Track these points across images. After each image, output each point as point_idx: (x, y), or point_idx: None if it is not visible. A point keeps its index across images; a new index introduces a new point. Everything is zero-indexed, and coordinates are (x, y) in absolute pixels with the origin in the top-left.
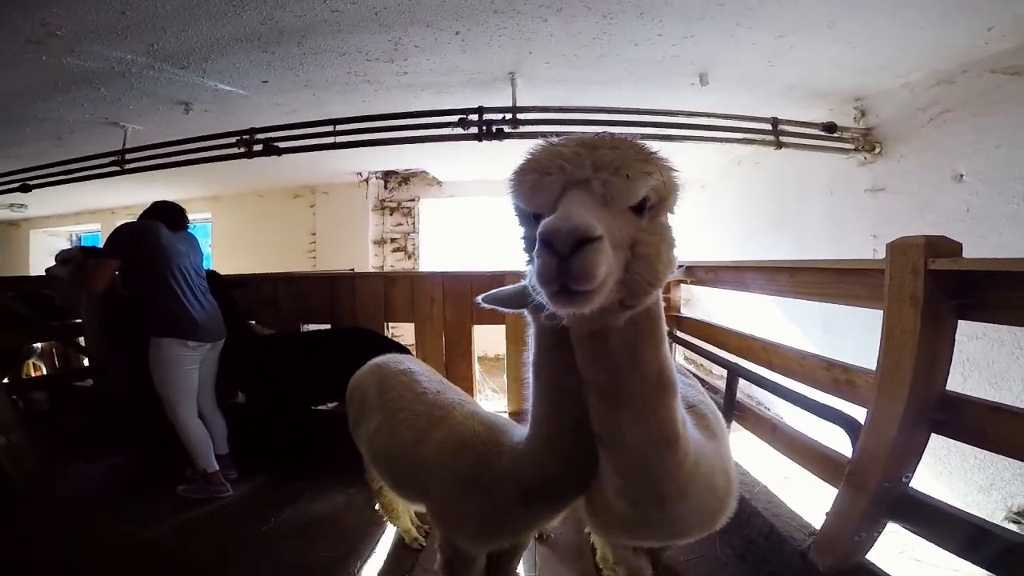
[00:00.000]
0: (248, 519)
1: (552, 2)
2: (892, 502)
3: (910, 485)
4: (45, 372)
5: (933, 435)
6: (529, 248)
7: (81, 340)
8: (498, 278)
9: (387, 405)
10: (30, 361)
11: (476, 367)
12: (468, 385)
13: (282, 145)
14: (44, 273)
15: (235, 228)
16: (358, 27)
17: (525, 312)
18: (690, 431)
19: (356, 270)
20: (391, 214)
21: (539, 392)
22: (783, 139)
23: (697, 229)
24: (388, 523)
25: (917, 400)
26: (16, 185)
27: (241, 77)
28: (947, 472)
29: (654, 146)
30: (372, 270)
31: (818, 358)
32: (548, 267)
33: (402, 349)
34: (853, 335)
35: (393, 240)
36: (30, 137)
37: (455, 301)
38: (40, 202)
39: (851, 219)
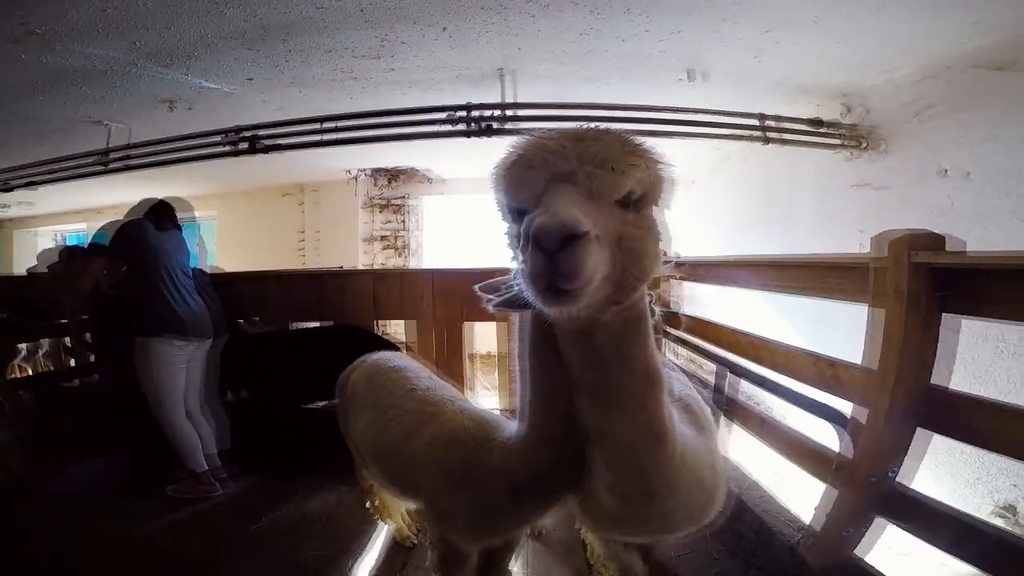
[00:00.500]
0: (239, 518)
1: None
2: (879, 497)
3: (897, 480)
4: (31, 373)
5: (920, 429)
6: (514, 244)
7: (67, 340)
8: (489, 275)
9: (377, 402)
10: (15, 362)
11: (468, 364)
12: (460, 382)
13: (268, 143)
14: (26, 273)
15: (223, 227)
16: (344, 23)
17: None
18: (678, 426)
19: (346, 268)
20: (381, 212)
21: (527, 386)
22: (771, 135)
23: (687, 225)
24: (380, 521)
25: (903, 395)
26: None
27: (226, 75)
28: (933, 466)
29: (640, 138)
30: (362, 268)
31: (805, 353)
32: (536, 265)
33: (392, 346)
34: (842, 330)
35: (383, 238)
36: (12, 136)
37: (446, 298)
38: (24, 202)
39: (838, 214)
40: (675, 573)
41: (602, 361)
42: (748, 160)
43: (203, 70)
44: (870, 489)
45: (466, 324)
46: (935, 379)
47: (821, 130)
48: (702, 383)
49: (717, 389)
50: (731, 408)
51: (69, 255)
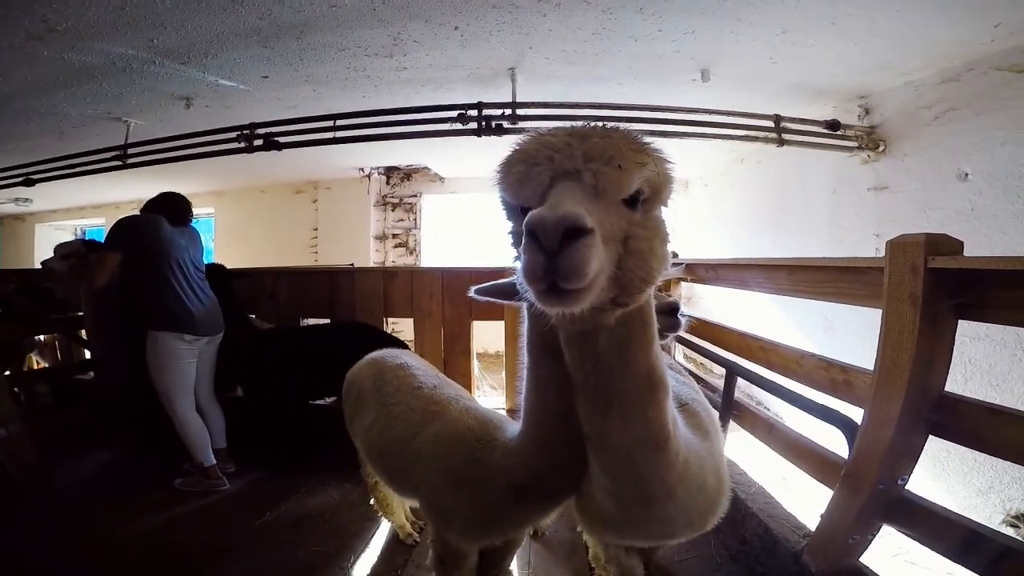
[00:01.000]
0: (244, 513)
1: None
2: (887, 504)
3: (906, 488)
4: (47, 365)
5: (932, 437)
6: (516, 243)
7: (82, 333)
8: (498, 274)
9: (383, 400)
10: (32, 354)
11: (475, 363)
12: (466, 381)
13: (282, 140)
14: (41, 266)
15: (237, 223)
16: (357, 22)
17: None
18: (681, 430)
19: (356, 265)
20: (393, 210)
21: (531, 386)
22: (786, 137)
23: (699, 227)
24: (383, 518)
25: (914, 401)
26: (20, 179)
27: (241, 72)
28: (945, 475)
29: (648, 137)
30: (373, 265)
31: (816, 358)
32: (535, 263)
33: (400, 344)
34: (854, 334)
35: (395, 236)
36: (33, 132)
37: (454, 297)
38: (45, 196)
39: (854, 218)
40: None
41: (603, 365)
42: (762, 162)
43: (219, 68)
44: (878, 496)
45: (474, 323)
46: (949, 386)
47: (838, 132)
48: (709, 386)
49: (726, 393)
50: (739, 412)
51: (86, 249)
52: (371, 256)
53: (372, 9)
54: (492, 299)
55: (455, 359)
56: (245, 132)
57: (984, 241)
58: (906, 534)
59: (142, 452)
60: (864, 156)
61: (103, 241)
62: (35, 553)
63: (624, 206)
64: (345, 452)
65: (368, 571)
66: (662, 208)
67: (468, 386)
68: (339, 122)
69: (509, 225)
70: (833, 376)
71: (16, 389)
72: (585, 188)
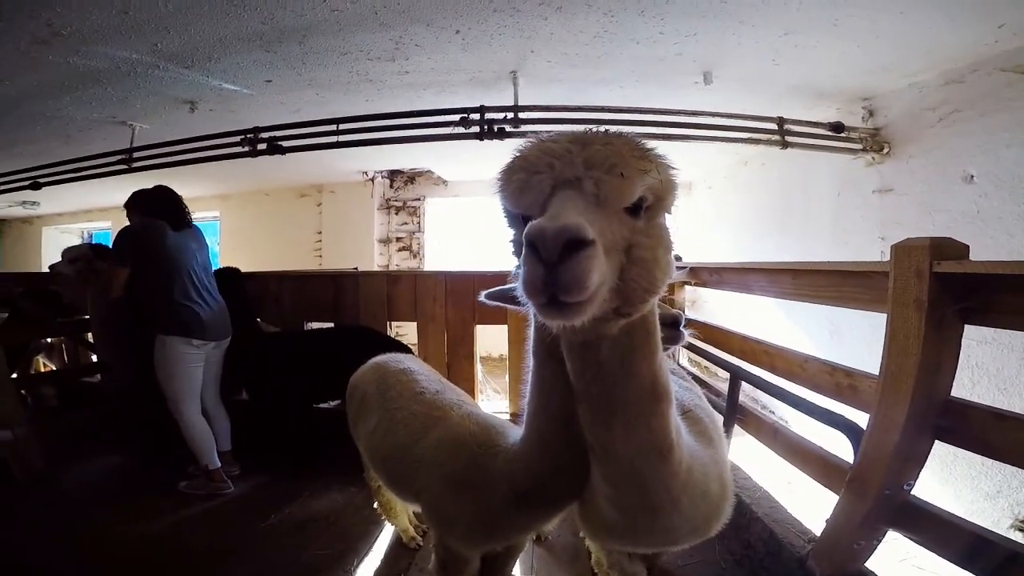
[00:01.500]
0: (248, 516)
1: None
2: (893, 510)
3: (912, 492)
4: (54, 368)
5: (938, 442)
6: (517, 252)
7: (89, 336)
8: (501, 277)
9: (386, 404)
10: (39, 357)
11: (478, 367)
12: (470, 386)
13: (286, 144)
14: (48, 270)
15: (243, 226)
16: (358, 26)
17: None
18: (684, 438)
19: (360, 269)
20: (397, 213)
21: (534, 390)
22: (789, 139)
23: (703, 230)
24: (386, 522)
25: (920, 406)
26: (27, 183)
27: (245, 76)
28: (953, 479)
29: (651, 143)
30: (377, 269)
31: (821, 362)
32: (534, 276)
33: (404, 348)
34: (860, 339)
35: (399, 239)
36: (39, 135)
37: (458, 300)
38: (52, 200)
39: (858, 220)
40: None
41: (606, 375)
42: (766, 165)
43: (223, 72)
44: (884, 501)
45: (477, 327)
46: (956, 391)
47: (842, 134)
48: (713, 391)
49: (730, 397)
50: (743, 417)
51: (93, 254)
52: (375, 259)
53: (374, 13)
54: (501, 304)
55: (458, 363)
56: (249, 136)
57: (990, 244)
58: (912, 539)
59: (148, 455)
60: (868, 158)
61: (111, 251)
62: (37, 553)
63: (627, 214)
64: (349, 455)
65: (371, 575)
66: (666, 215)
67: (471, 390)
68: (342, 126)
69: (510, 233)
70: (838, 380)
71: (23, 391)
72: (586, 197)
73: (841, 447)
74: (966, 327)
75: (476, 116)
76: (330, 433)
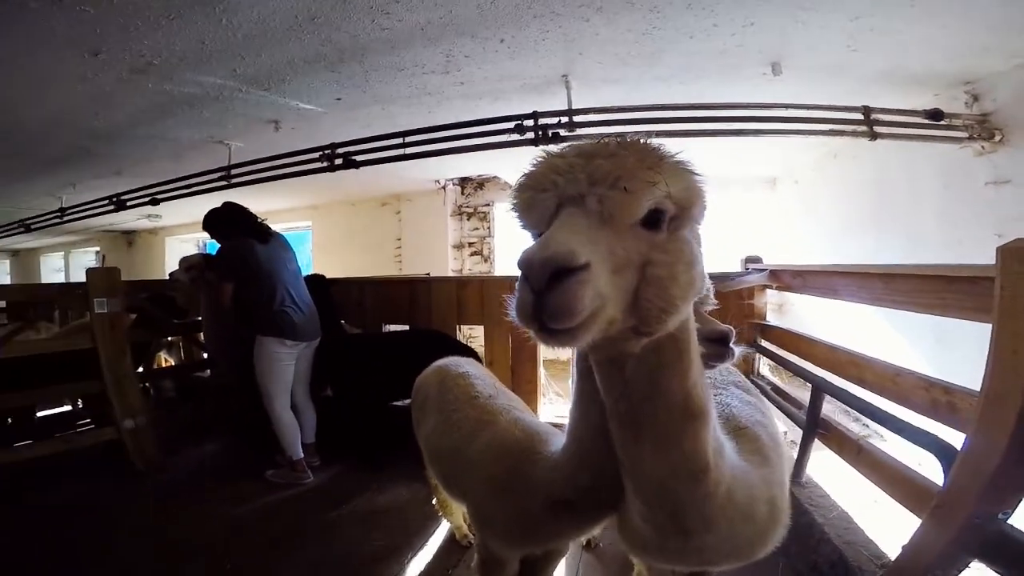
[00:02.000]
0: (320, 506)
1: (590, 1)
2: (982, 539)
3: (1008, 522)
4: (173, 364)
5: None
6: None
7: (200, 336)
8: None
9: (443, 407)
10: (161, 354)
11: (541, 371)
12: (532, 388)
13: (359, 158)
14: (168, 277)
15: (332, 235)
16: (409, 43)
17: None
18: (729, 458)
19: (434, 274)
20: (468, 219)
21: (576, 400)
22: (878, 129)
23: (788, 227)
24: (443, 519)
25: None
26: (147, 199)
27: (317, 95)
28: None
29: (673, 148)
30: (451, 274)
31: (916, 376)
32: (524, 303)
33: (469, 351)
34: (969, 350)
35: (471, 244)
36: (153, 155)
37: None
38: (171, 212)
39: (969, 216)
40: None
41: (632, 392)
42: (858, 157)
43: (297, 92)
44: (971, 531)
45: None
46: None
47: (941, 122)
48: (795, 402)
49: (811, 410)
50: (826, 432)
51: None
52: (449, 264)
53: (420, 29)
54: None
55: (522, 366)
56: (327, 152)
57: None
58: (1000, 574)
59: (244, 445)
60: (978, 147)
61: (215, 267)
62: (144, 533)
63: (643, 228)
64: (416, 452)
65: (423, 567)
66: (695, 226)
67: (534, 393)
68: (408, 138)
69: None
70: (934, 397)
71: (146, 385)
72: (590, 214)
73: (933, 469)
74: None
75: (530, 123)
76: (401, 430)
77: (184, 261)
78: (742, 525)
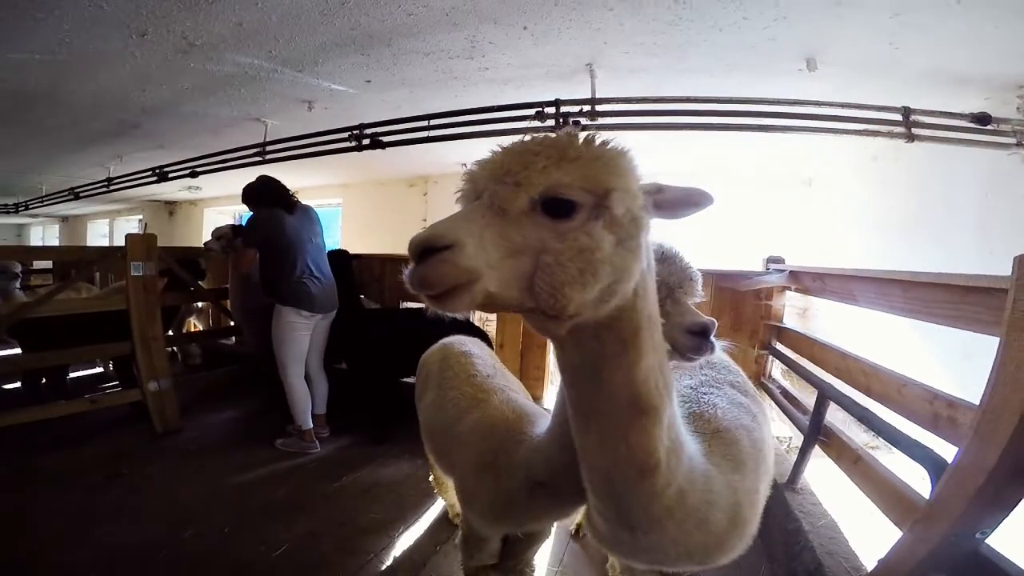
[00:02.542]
0: (324, 476)
1: None
2: (956, 558)
3: (985, 542)
4: (201, 329)
5: None
6: None
7: (228, 303)
8: None
9: (442, 383)
10: (191, 319)
11: (551, 357)
12: (541, 374)
13: (385, 139)
14: (203, 246)
15: (361, 213)
16: (434, 27)
17: None
18: (689, 459)
19: None
20: None
21: (560, 388)
22: (916, 131)
23: (824, 229)
24: (438, 496)
25: (1019, 449)
26: (187, 172)
27: (348, 77)
28: None
29: (620, 144)
30: None
31: (921, 387)
32: (409, 271)
33: (479, 332)
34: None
35: None
36: (195, 131)
37: None
38: (209, 185)
39: (1009, 225)
40: None
41: (578, 380)
42: (899, 160)
43: (329, 74)
44: (946, 547)
45: None
46: None
47: (988, 127)
48: (802, 408)
49: (814, 416)
50: (827, 440)
51: (232, 233)
52: None
53: (445, 14)
54: None
55: (531, 352)
56: (355, 132)
57: None
58: None
59: (260, 413)
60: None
61: (242, 234)
62: (156, 495)
63: (549, 217)
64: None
65: (413, 541)
66: (624, 218)
67: (542, 379)
68: (432, 121)
69: None
70: (936, 410)
71: (174, 349)
72: (487, 206)
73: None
74: None
75: (551, 110)
76: (410, 406)
77: (216, 231)
78: (694, 530)
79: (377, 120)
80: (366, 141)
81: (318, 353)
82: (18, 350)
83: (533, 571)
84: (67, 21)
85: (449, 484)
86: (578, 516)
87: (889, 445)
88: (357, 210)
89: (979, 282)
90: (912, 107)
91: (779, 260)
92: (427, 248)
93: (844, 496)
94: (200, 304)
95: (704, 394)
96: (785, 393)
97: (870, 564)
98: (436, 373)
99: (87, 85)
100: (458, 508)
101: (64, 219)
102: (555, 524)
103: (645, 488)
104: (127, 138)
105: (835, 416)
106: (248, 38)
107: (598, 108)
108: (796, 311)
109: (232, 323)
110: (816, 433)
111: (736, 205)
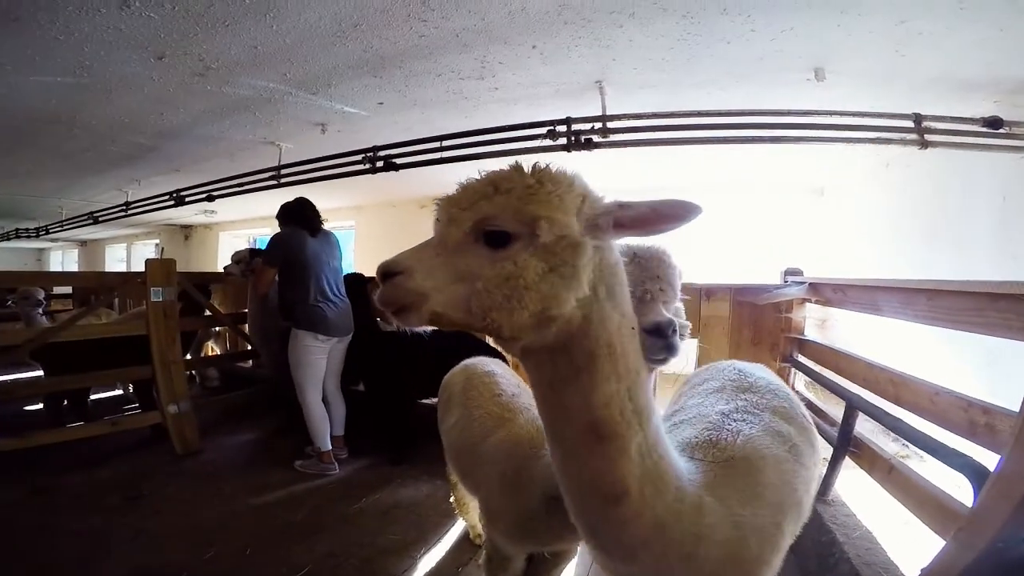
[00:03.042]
0: (343, 497)
1: (623, 7)
2: (1003, 564)
3: None
4: (219, 352)
5: None
6: None
7: (246, 327)
8: None
9: (466, 403)
10: (209, 343)
11: None
12: None
13: (398, 161)
14: (223, 270)
15: (374, 235)
16: (444, 49)
17: None
18: (677, 490)
19: None
20: None
21: None
22: (929, 138)
23: (837, 239)
24: (459, 517)
25: None
26: (203, 196)
27: (360, 100)
28: None
29: (554, 171)
30: None
31: (955, 395)
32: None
33: (496, 353)
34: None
35: None
36: (211, 154)
37: None
38: (225, 209)
39: None
40: None
41: (541, 399)
42: (912, 167)
43: (342, 96)
44: (993, 555)
45: None
46: None
47: (1000, 131)
48: (829, 420)
49: (843, 428)
50: (858, 451)
51: (251, 256)
52: None
53: (455, 36)
54: None
55: None
56: (368, 154)
57: None
58: None
59: (278, 434)
60: None
61: (263, 253)
62: (175, 516)
63: (487, 247)
64: (440, 450)
65: (435, 563)
66: (555, 245)
67: None
68: (444, 142)
69: None
70: (973, 417)
71: (192, 372)
72: (437, 237)
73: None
74: None
75: (563, 128)
76: (428, 427)
77: (235, 255)
78: (679, 564)
79: (389, 142)
80: (380, 163)
81: (335, 376)
82: (40, 373)
83: None
84: (87, 43)
85: (471, 505)
86: None
87: (920, 454)
88: (369, 232)
89: (1009, 289)
90: (923, 113)
91: (798, 272)
92: (386, 272)
93: (876, 507)
94: (218, 328)
95: (734, 420)
96: (810, 405)
97: (910, 574)
98: (460, 394)
99: (106, 108)
100: (479, 529)
101: (83, 243)
102: (580, 545)
103: (614, 516)
104: (144, 161)
105: (863, 427)
106: (263, 61)
107: (609, 125)
108: (815, 322)
109: (249, 346)
110: (846, 444)
111: (748, 216)
